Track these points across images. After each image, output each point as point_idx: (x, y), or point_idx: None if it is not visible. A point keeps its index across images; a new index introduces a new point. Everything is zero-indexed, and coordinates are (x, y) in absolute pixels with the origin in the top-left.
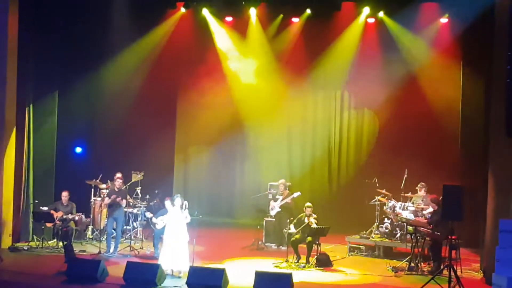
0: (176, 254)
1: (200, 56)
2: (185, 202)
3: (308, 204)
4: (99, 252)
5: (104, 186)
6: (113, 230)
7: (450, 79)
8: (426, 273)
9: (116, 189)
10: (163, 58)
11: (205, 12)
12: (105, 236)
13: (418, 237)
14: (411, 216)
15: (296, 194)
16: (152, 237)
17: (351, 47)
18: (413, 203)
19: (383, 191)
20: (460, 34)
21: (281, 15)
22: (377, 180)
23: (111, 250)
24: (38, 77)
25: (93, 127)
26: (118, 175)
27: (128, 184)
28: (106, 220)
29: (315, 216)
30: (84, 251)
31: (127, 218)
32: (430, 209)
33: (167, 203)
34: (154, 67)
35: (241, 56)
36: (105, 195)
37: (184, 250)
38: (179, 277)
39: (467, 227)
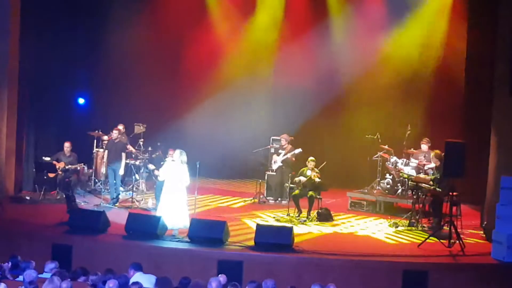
0: (173, 211)
1: (204, 7)
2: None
3: (311, 158)
4: (100, 203)
5: (106, 137)
6: (115, 181)
7: (455, 32)
8: (426, 229)
9: (115, 141)
10: (167, 8)
11: None
12: (107, 187)
13: (419, 193)
14: (413, 172)
15: (297, 151)
16: (154, 189)
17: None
18: (415, 158)
19: (385, 146)
20: None
21: None
22: (379, 136)
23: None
24: (40, 25)
25: (96, 78)
26: (119, 127)
27: (131, 135)
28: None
29: (317, 170)
30: (86, 201)
31: (130, 170)
32: (432, 165)
33: (170, 156)
34: (157, 17)
35: (242, 10)
36: (105, 147)
37: (182, 206)
38: (175, 235)
39: (469, 184)
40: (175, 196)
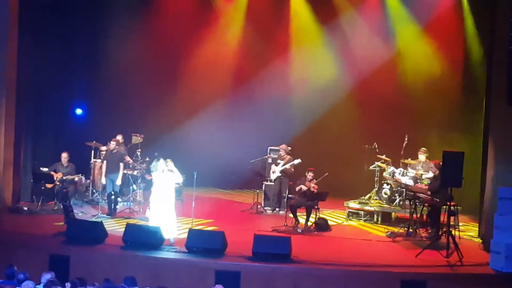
0: (161, 220)
1: (202, 17)
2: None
3: (311, 168)
4: (98, 214)
5: (104, 148)
6: (112, 192)
7: (453, 43)
8: (424, 239)
9: (112, 151)
10: (166, 18)
11: None
12: (105, 198)
13: (417, 203)
14: (410, 182)
15: (296, 161)
16: None
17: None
18: (412, 169)
19: (383, 156)
20: None
21: None
22: (377, 146)
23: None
24: (39, 35)
25: (94, 88)
26: (117, 137)
27: (128, 146)
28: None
29: (315, 181)
30: (83, 212)
31: (128, 181)
32: (429, 175)
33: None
34: (156, 27)
35: (242, 16)
36: (103, 158)
37: (170, 215)
38: (172, 245)
39: (466, 194)
40: (164, 204)
